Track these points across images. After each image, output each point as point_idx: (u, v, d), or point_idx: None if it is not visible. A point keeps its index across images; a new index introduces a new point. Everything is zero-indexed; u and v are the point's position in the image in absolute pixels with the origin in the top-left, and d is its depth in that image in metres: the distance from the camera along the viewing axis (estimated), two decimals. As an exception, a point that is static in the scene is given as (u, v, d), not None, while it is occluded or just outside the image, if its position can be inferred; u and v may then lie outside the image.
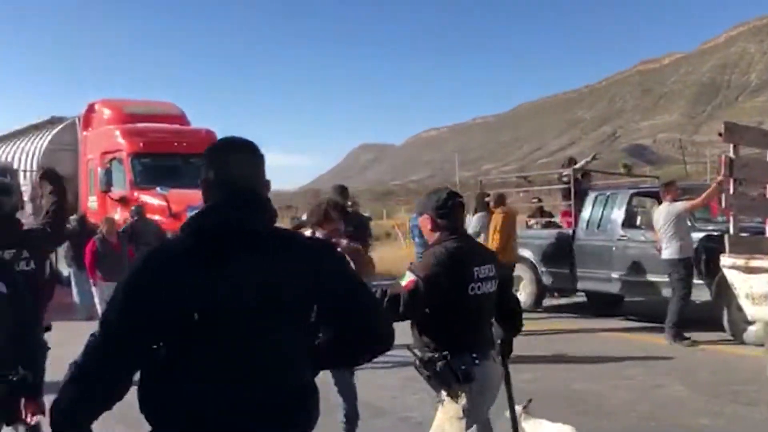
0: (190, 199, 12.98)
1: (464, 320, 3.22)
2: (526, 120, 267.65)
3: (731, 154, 5.58)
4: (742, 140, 5.65)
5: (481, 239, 9.08)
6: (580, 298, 11.64)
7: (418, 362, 3.23)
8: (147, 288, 1.84)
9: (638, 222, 9.82)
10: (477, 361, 3.17)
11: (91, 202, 14.62)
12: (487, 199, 10.50)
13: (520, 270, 10.92)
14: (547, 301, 11.51)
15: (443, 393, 3.23)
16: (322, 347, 2.07)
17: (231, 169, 1.96)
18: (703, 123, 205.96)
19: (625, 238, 9.52)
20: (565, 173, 11.15)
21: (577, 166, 11.21)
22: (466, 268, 3.20)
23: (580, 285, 10.31)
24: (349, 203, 12.21)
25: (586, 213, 10.17)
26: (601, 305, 10.85)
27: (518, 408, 4.69)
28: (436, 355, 3.15)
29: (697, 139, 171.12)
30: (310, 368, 2.00)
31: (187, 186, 13.39)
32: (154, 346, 1.86)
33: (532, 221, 12.71)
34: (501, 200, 9.83)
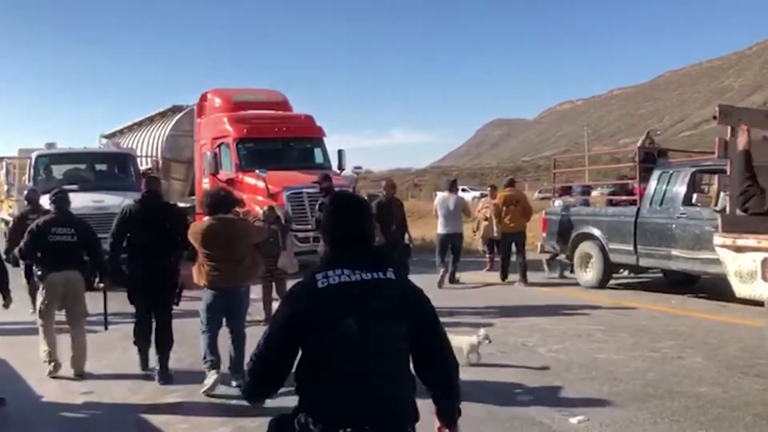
0: (287, 180, 14.16)
1: None
2: (668, 91, 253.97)
3: (727, 137, 5.74)
4: (740, 122, 5.76)
5: None
6: (658, 275, 11.75)
7: None
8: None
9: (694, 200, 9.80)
10: None
11: (205, 184, 16.13)
12: None
13: (588, 248, 11.22)
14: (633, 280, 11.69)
15: None
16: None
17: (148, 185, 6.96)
18: None
19: (684, 215, 9.60)
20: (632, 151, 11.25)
21: (638, 144, 11.27)
22: None
23: (642, 262, 10.46)
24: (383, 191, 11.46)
25: (650, 190, 10.29)
26: (676, 283, 11.00)
27: None
28: None
29: None
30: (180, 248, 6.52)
31: (287, 168, 14.59)
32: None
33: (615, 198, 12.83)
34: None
